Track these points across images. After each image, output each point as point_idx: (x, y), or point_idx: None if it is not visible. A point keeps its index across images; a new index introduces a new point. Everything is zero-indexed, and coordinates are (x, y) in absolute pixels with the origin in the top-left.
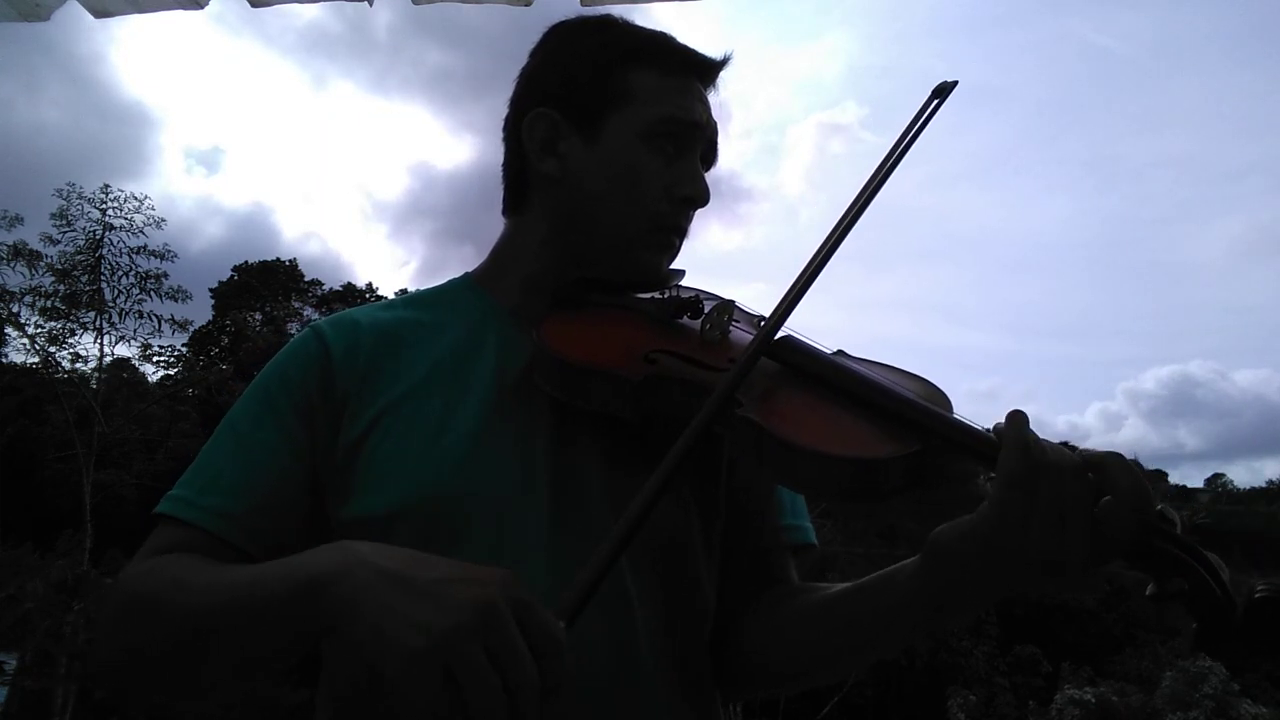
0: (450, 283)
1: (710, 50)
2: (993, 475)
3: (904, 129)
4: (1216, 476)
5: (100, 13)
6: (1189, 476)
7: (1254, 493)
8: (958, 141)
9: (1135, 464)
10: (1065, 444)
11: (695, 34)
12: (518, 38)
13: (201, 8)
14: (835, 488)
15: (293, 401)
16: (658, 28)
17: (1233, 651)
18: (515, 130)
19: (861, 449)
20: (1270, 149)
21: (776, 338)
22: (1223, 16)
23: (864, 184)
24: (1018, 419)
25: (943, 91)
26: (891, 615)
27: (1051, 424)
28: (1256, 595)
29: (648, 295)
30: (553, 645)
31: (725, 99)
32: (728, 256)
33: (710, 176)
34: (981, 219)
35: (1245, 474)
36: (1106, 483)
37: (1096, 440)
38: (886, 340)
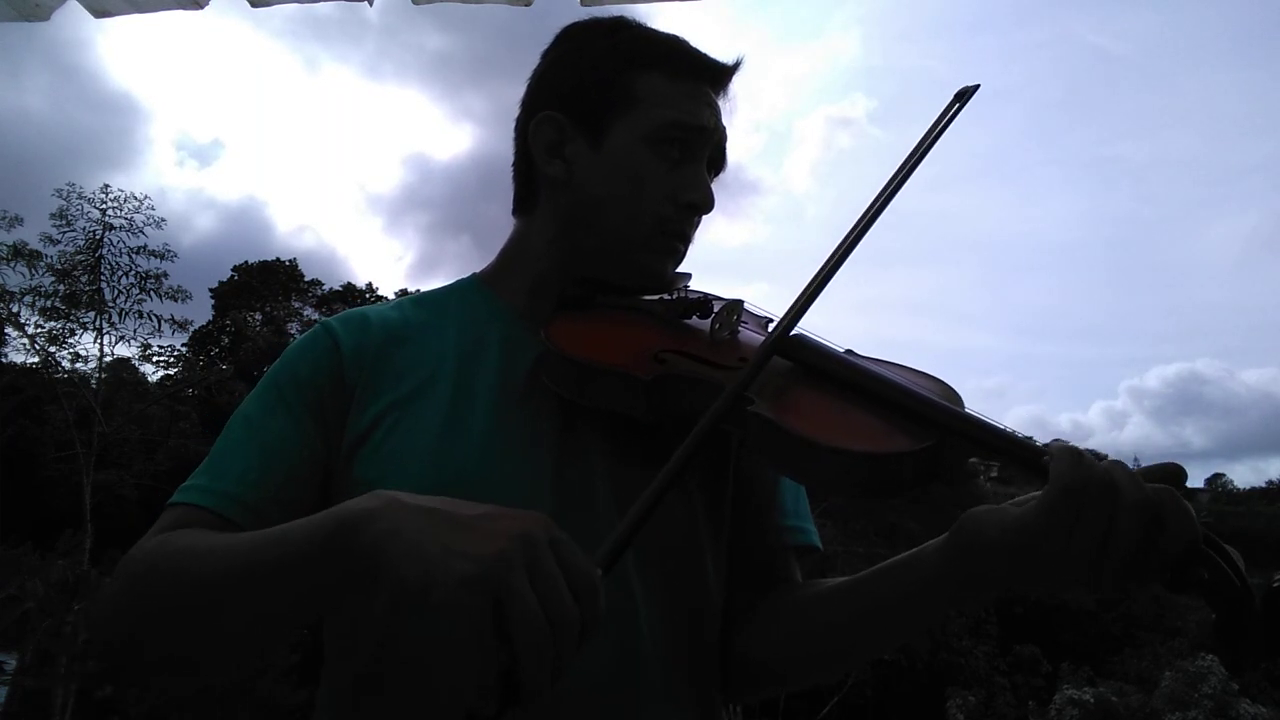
0: (458, 283)
1: (721, 55)
2: (994, 474)
3: (925, 132)
4: (1217, 476)
5: (100, 13)
6: (1191, 476)
7: (1254, 493)
8: (960, 142)
9: (1180, 493)
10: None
11: (702, 31)
12: (522, 24)
13: (201, 8)
14: (850, 483)
15: (303, 396)
16: (666, 27)
17: (1252, 644)
18: (524, 132)
19: (875, 444)
20: (1277, 146)
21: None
22: (1226, 15)
23: (882, 187)
24: (1064, 444)
25: (964, 95)
26: (914, 599)
27: (1055, 422)
28: (1275, 585)
29: (655, 297)
30: (589, 584)
31: (731, 92)
32: (732, 254)
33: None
34: (984, 220)
35: (1250, 473)
36: (1158, 521)
37: (1099, 439)
38: (892, 341)
